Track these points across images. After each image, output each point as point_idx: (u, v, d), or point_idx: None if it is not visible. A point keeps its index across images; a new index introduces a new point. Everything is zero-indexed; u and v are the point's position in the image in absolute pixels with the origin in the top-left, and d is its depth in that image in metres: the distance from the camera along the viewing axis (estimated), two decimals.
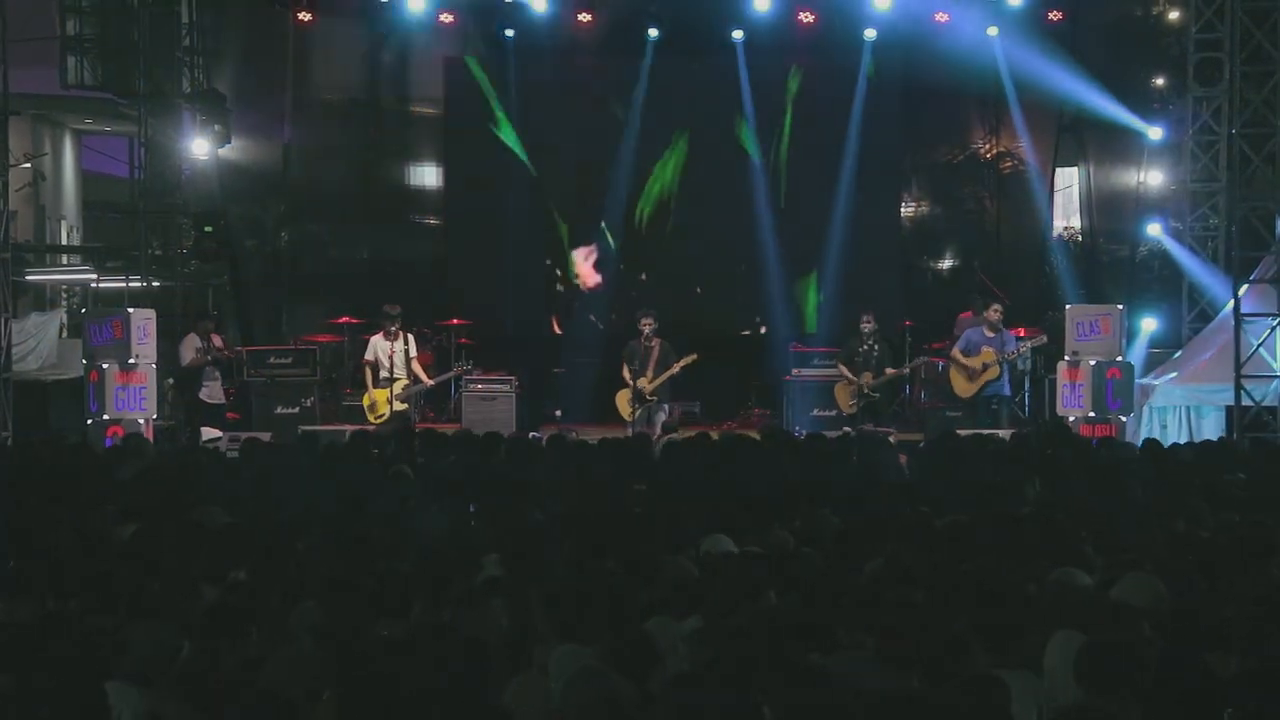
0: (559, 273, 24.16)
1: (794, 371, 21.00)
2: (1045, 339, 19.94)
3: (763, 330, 23.48)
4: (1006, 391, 19.47)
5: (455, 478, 12.33)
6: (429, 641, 6.79)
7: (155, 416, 18.53)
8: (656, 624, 7.16)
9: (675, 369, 18.96)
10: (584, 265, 24.10)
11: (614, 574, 8.36)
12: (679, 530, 9.51)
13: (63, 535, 9.71)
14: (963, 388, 19.47)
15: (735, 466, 13.08)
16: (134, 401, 18.18)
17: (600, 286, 24.00)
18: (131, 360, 18.14)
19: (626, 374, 19.04)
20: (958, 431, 16.73)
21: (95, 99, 22.71)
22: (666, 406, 19.11)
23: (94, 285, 23.90)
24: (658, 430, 17.75)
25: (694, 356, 19.06)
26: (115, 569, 8.43)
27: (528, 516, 10.31)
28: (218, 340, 20.42)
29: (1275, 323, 18.09)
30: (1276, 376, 17.82)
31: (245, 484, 12.43)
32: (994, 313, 19.39)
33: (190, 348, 20.07)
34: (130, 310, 18.66)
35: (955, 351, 19.53)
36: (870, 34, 22.94)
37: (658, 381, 18.94)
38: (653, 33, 23.34)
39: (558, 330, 24.02)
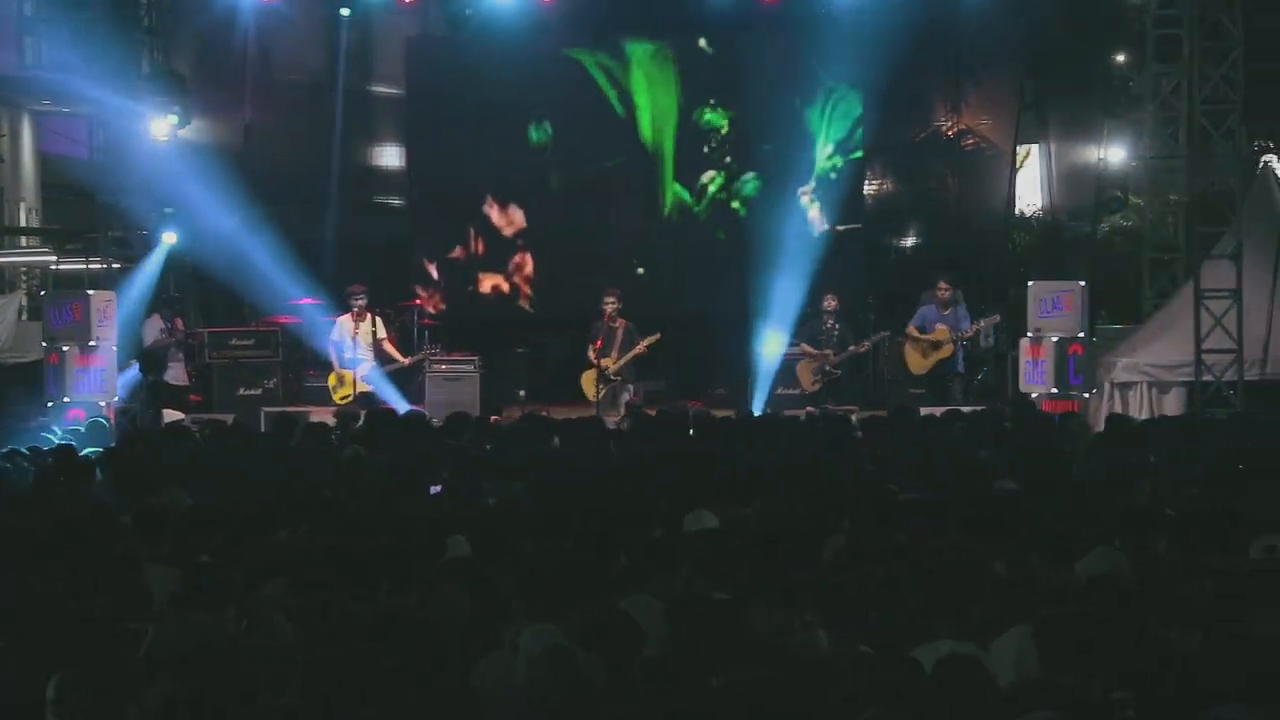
0: (525, 255, 24.05)
1: (757, 350, 21.01)
2: (998, 316, 20.08)
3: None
4: (960, 368, 19.70)
5: (419, 459, 12.31)
6: (394, 622, 6.79)
7: (116, 399, 18.45)
8: (634, 602, 7.16)
9: (640, 348, 19.00)
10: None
11: (584, 552, 8.38)
12: (648, 508, 9.54)
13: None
14: (917, 364, 19.69)
15: (700, 446, 13.11)
16: (94, 384, 18.12)
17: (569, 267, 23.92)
18: (92, 343, 18.07)
19: (591, 354, 19.08)
20: (919, 408, 16.78)
21: (53, 80, 22.53)
22: (631, 386, 19.14)
23: (53, 267, 23.74)
24: (621, 410, 17.77)
25: (657, 336, 19.12)
26: (74, 555, 8.43)
27: (493, 496, 10.33)
28: (179, 322, 20.34)
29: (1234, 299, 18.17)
30: (1236, 352, 17.90)
31: (209, 467, 12.40)
32: (941, 290, 19.58)
33: (153, 329, 19.98)
34: (90, 293, 18.58)
35: (911, 328, 19.71)
36: (832, 9, 22.90)
37: (622, 362, 18.99)
38: (615, 12, 23.27)
39: (528, 308, 23.89)
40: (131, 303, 20.01)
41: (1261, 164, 19.50)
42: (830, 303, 19.92)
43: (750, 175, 23.53)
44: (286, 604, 7.45)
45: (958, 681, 5.91)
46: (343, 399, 19.02)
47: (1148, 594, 7.24)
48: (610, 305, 19.25)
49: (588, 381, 19.16)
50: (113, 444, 14.68)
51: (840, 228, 23.03)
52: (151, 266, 21.07)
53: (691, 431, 14.46)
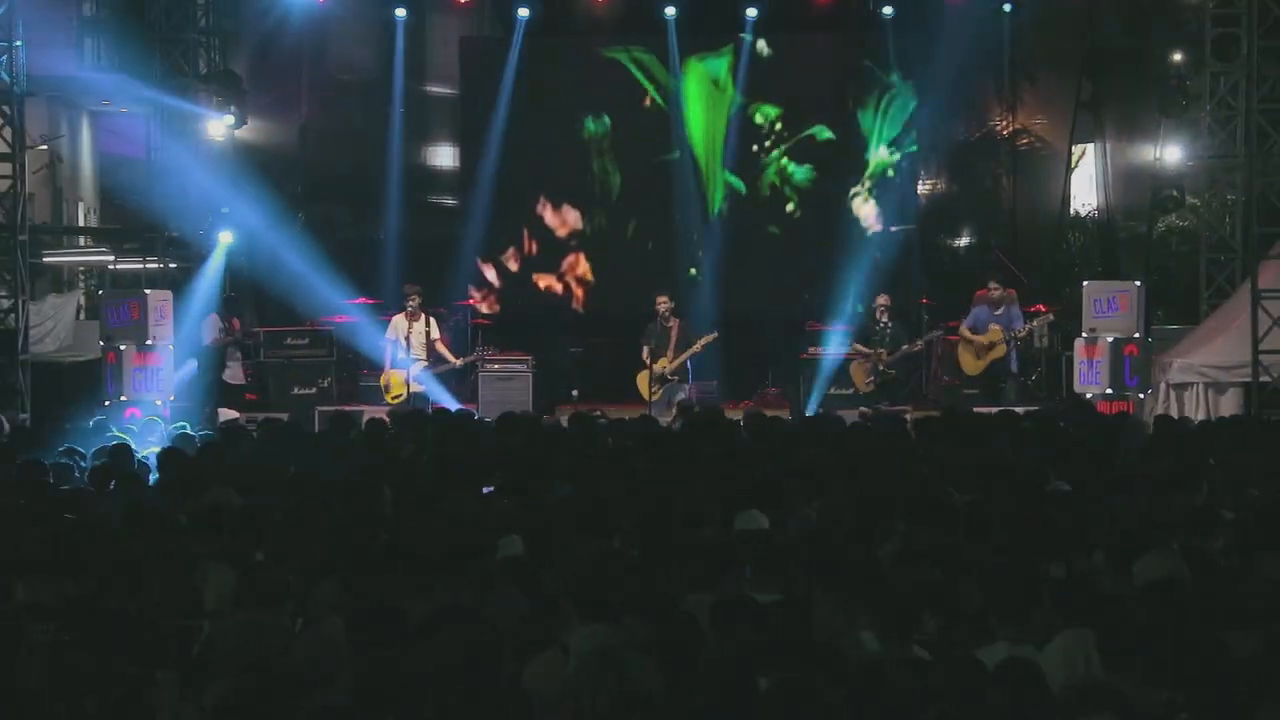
0: (577, 255, 24.09)
1: (810, 350, 20.97)
2: (1052, 316, 19.96)
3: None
4: (1014, 368, 19.60)
5: (471, 458, 12.33)
6: (447, 622, 6.80)
7: (172, 398, 18.56)
8: (694, 604, 7.16)
9: (697, 348, 19.00)
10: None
11: (635, 552, 8.38)
12: (698, 508, 9.52)
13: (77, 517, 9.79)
14: (970, 365, 19.62)
15: (754, 446, 13.09)
16: (151, 383, 18.23)
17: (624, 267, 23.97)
18: (149, 342, 18.19)
19: (645, 355, 19.12)
20: (973, 408, 16.72)
21: (111, 80, 22.69)
22: (686, 386, 19.15)
23: (111, 267, 23.90)
24: (674, 410, 17.75)
25: (714, 335, 19.11)
26: (129, 553, 8.47)
27: (545, 496, 10.33)
28: (237, 322, 20.46)
29: None
30: None
31: (263, 466, 12.45)
32: (993, 289, 19.51)
33: (212, 328, 20.09)
34: (147, 292, 18.70)
35: (963, 329, 19.63)
36: (888, 10, 22.84)
37: (677, 362, 18.99)
38: (670, 11, 23.27)
39: (581, 308, 23.97)
40: (193, 302, 20.15)
41: None
42: (883, 302, 19.84)
43: (805, 166, 23.49)
44: (340, 603, 7.48)
45: (1016, 685, 5.89)
46: (395, 399, 19.11)
47: (1205, 596, 7.18)
48: (663, 305, 19.28)
49: (643, 382, 19.19)
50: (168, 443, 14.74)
51: (894, 228, 22.98)
52: (211, 266, 21.22)
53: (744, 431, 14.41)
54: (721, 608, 6.97)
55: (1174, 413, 17.91)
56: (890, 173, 23.45)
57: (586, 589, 7.35)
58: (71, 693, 6.31)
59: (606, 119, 23.81)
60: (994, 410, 16.49)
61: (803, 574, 7.77)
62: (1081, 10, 22.85)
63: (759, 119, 23.63)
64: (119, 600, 7.58)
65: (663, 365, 19.02)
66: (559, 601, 7.42)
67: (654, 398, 18.94)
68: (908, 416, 17.05)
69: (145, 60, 21.87)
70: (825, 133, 23.49)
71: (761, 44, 23.58)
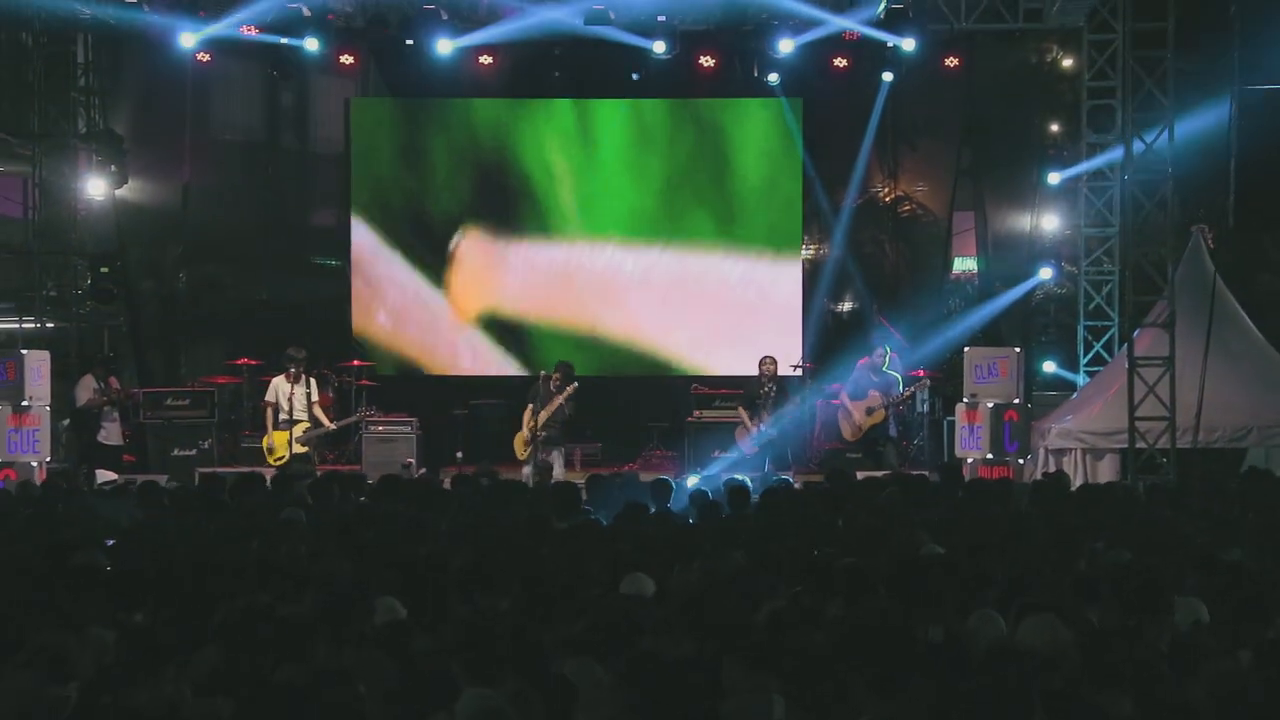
0: (463, 315, 24.03)
1: (695, 413, 21.04)
2: (929, 382, 20.21)
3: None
4: (892, 433, 19.81)
5: (353, 520, 12.23)
6: (327, 687, 6.72)
7: (49, 459, 18.30)
8: (578, 665, 7.12)
9: (558, 401, 18.81)
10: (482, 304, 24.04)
11: (524, 615, 8.33)
12: (587, 571, 9.50)
13: None
14: (849, 430, 19.76)
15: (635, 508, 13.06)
16: (27, 444, 17.97)
17: (510, 330, 23.92)
18: (25, 403, 17.93)
19: (527, 415, 19.04)
20: (855, 472, 16.82)
21: None
22: (555, 452, 18.95)
23: None
24: (532, 473, 17.68)
25: (574, 386, 18.96)
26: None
27: (430, 559, 10.24)
28: (115, 382, 20.21)
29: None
30: (1169, 419, 17.97)
31: (138, 526, 12.26)
32: (877, 355, 19.78)
33: (87, 388, 19.84)
34: (24, 352, 18.44)
35: (843, 395, 19.82)
36: (774, 78, 22.99)
37: (543, 416, 18.83)
38: (556, 75, 23.37)
39: (467, 370, 23.87)
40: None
41: (1192, 233, 19.68)
42: (767, 366, 19.95)
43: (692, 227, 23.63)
44: (218, 668, 7.36)
45: None
46: (277, 461, 18.90)
47: (1083, 660, 7.25)
48: (556, 378, 19.12)
49: (519, 442, 19.15)
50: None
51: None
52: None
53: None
54: (630, 668, 6.92)
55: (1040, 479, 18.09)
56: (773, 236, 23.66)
57: (472, 652, 7.29)
58: None
59: (497, 178, 23.80)
60: (879, 474, 16.64)
61: (695, 638, 7.76)
62: (961, 80, 23.17)
63: (644, 181, 23.71)
64: None
65: (529, 421, 18.93)
66: (444, 665, 7.35)
67: (528, 457, 18.89)
68: (794, 481, 17.13)
69: (23, 119, 21.67)
70: (706, 194, 23.64)
71: (636, 106, 23.70)
